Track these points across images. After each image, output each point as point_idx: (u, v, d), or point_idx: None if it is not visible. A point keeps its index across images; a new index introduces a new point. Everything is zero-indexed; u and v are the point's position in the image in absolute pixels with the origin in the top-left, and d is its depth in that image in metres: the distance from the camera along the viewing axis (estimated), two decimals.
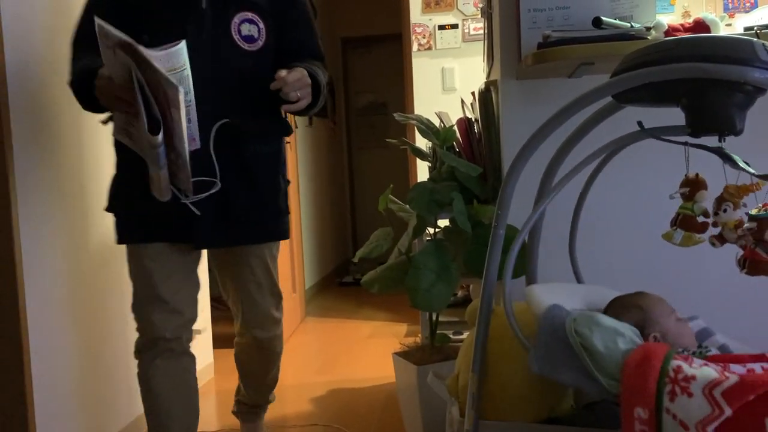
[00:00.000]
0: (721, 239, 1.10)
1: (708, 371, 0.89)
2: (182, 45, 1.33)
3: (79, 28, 1.61)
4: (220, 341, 3.14)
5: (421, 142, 2.37)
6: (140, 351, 1.66)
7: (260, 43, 1.62)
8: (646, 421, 0.90)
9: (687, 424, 0.87)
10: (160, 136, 1.33)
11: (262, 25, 1.62)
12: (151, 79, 1.29)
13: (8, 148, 1.65)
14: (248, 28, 1.60)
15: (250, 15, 1.61)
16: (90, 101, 1.49)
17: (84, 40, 1.56)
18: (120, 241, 1.65)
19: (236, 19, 1.59)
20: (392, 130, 5.60)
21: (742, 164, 1.00)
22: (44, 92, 1.83)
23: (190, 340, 1.71)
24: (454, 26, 3.68)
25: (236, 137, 1.58)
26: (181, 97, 1.29)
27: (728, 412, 0.85)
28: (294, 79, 1.50)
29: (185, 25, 1.53)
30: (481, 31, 3.00)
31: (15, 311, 1.66)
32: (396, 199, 1.99)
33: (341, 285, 5.19)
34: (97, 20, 1.26)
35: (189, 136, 1.38)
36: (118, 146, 1.60)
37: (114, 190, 1.64)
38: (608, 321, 1.02)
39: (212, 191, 1.50)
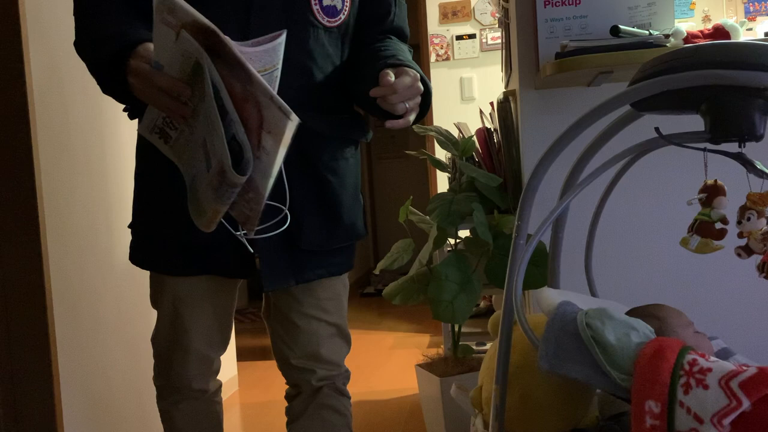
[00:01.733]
0: (748, 250, 1.08)
1: (725, 364, 0.85)
2: (283, 38, 0.97)
3: None
4: (243, 353, 3.16)
5: (441, 153, 2.38)
6: (161, 394, 1.38)
7: (342, 16, 1.22)
8: (658, 415, 0.85)
9: (702, 418, 0.82)
10: (247, 176, 0.94)
11: None
12: (237, 87, 0.91)
13: (36, 168, 1.69)
14: None
15: None
16: (114, 85, 1.07)
17: None
18: (144, 266, 1.31)
19: None
20: (412, 140, 5.61)
21: (764, 170, 0.99)
22: (70, 111, 1.88)
23: (218, 386, 1.42)
24: (472, 36, 3.69)
25: (308, 142, 1.19)
26: (290, 128, 0.90)
27: (746, 404, 0.80)
28: (404, 87, 1.10)
29: None
30: (499, 41, 3.01)
31: (44, 330, 1.69)
32: (416, 211, 2.00)
33: (363, 296, 5.20)
34: None
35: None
36: (144, 148, 1.21)
37: (140, 206, 1.28)
38: (621, 315, 1.00)
39: (282, 229, 1.11)
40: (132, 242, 1.32)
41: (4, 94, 1.66)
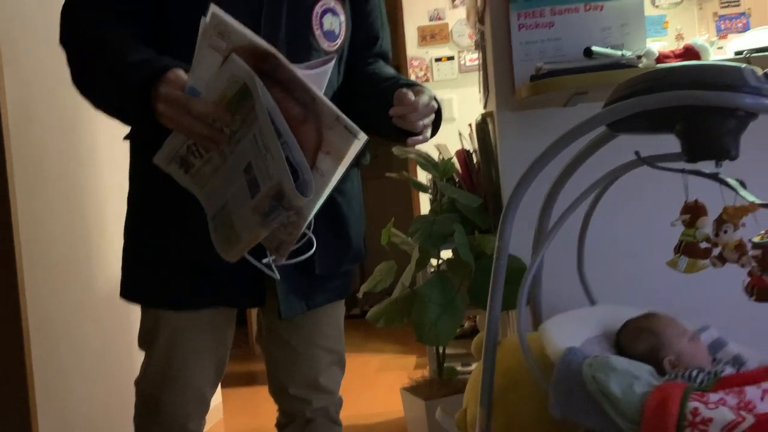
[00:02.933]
0: (721, 259, 1.11)
1: (725, 412, 0.90)
2: (333, 63, 1.01)
3: None
4: (228, 379, 3.12)
5: (423, 174, 2.39)
6: None
7: (339, 41, 1.25)
8: None
9: None
10: (309, 198, 0.91)
11: (343, 18, 1.25)
12: (294, 109, 0.90)
13: (12, 198, 1.67)
14: (330, 21, 1.23)
15: (332, 3, 1.23)
16: (137, 114, 1.01)
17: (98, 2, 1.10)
18: (143, 301, 1.22)
19: (318, 8, 1.21)
20: (395, 160, 5.63)
21: (739, 189, 1.01)
22: (46, 141, 1.86)
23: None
24: (450, 58, 3.73)
25: None
26: (355, 147, 0.90)
27: None
28: (424, 105, 1.12)
29: (258, 15, 1.14)
30: (477, 62, 3.05)
31: (22, 368, 1.65)
32: (398, 232, 2.00)
33: (349, 317, 5.15)
34: (214, 7, 0.86)
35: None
36: (148, 174, 1.09)
37: (141, 234, 1.20)
38: (623, 364, 1.04)
39: (310, 253, 1.09)
40: (125, 276, 1.23)
41: None
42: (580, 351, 1.11)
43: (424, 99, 1.13)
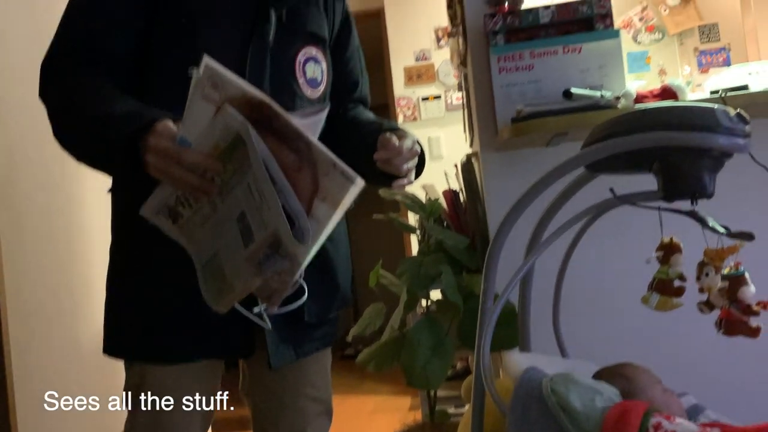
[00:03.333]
0: (710, 305, 1.10)
1: (689, 426, 0.86)
2: (326, 111, 1.00)
3: (68, 31, 1.11)
4: (217, 425, 3.06)
5: (413, 214, 2.40)
6: None
7: (322, 87, 1.26)
8: None
9: None
10: (306, 245, 0.91)
11: (324, 65, 1.27)
12: (289, 157, 0.90)
13: None
14: (313, 69, 1.25)
15: (314, 51, 1.25)
16: (122, 166, 0.98)
17: (79, 51, 1.09)
18: (127, 356, 1.20)
19: (301, 57, 1.22)
20: (384, 201, 5.65)
21: (716, 226, 1.01)
22: (32, 193, 1.86)
23: None
24: (437, 97, 3.78)
25: None
26: (352, 192, 0.89)
27: None
28: (408, 149, 1.13)
29: (243, 64, 1.14)
30: (462, 100, 3.09)
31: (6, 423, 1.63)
32: (387, 273, 1.99)
33: (343, 358, 5.11)
34: (207, 59, 0.85)
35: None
36: (133, 225, 1.05)
37: (127, 286, 1.17)
38: (586, 380, 1.00)
39: (302, 301, 1.06)
40: (108, 331, 1.18)
41: None
42: (539, 370, 1.06)
43: (407, 143, 1.13)
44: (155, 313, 1.13)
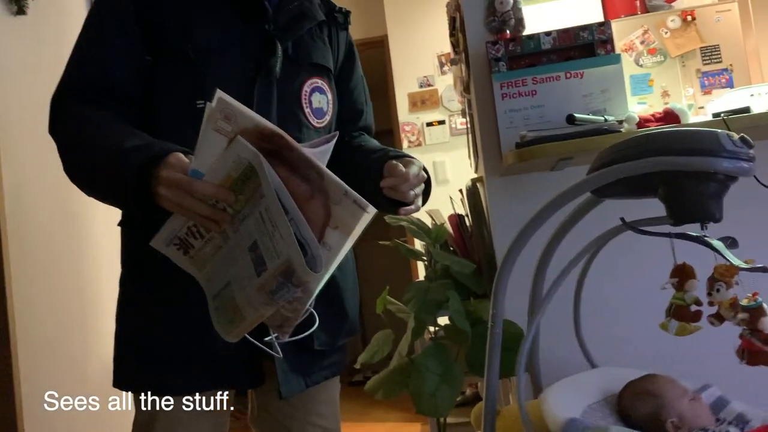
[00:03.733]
0: (719, 318, 1.10)
1: None
2: (335, 140, 1.01)
3: (77, 69, 1.13)
4: None
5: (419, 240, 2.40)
6: None
7: (328, 117, 1.28)
8: None
9: None
10: (319, 273, 0.92)
11: (330, 95, 1.29)
12: (301, 187, 0.91)
13: (8, 285, 1.67)
14: (318, 99, 1.27)
15: (320, 82, 1.28)
16: (135, 199, 0.98)
17: (87, 88, 1.11)
18: (138, 389, 1.17)
19: (307, 87, 1.25)
20: (391, 227, 5.65)
21: (723, 252, 1.01)
22: (43, 228, 1.88)
23: None
24: (441, 122, 3.80)
25: None
26: (364, 220, 0.91)
27: None
28: (414, 175, 1.14)
29: (251, 94, 1.16)
30: (466, 126, 3.11)
31: None
32: (394, 300, 1.99)
33: (351, 384, 5.07)
34: (220, 92, 0.86)
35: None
36: (143, 256, 1.07)
37: (137, 319, 1.16)
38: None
39: (313, 329, 1.08)
40: (118, 364, 1.18)
41: None
42: (579, 422, 1.09)
43: (413, 170, 1.14)
44: (164, 346, 1.13)
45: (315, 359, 1.23)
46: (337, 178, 0.89)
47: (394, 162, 1.14)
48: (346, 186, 0.89)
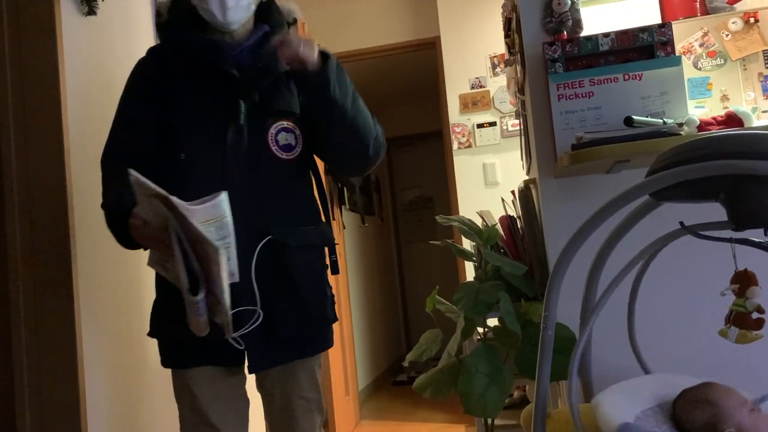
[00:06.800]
0: None
1: None
2: (223, 197, 1.30)
3: (111, 138, 1.58)
4: None
5: (467, 240, 2.39)
6: None
7: (298, 150, 1.58)
8: None
9: None
10: (200, 296, 1.30)
11: (298, 132, 1.59)
12: (189, 232, 1.27)
13: (74, 272, 1.75)
14: (285, 137, 1.57)
15: (285, 123, 1.57)
16: (124, 236, 1.44)
17: (116, 152, 1.56)
18: (164, 365, 1.60)
19: (272, 129, 1.55)
20: (440, 225, 5.65)
21: None
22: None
23: None
24: (492, 124, 3.78)
25: (278, 252, 1.51)
26: (222, 259, 1.26)
27: None
28: (294, 37, 1.46)
29: (223, 141, 1.50)
30: (519, 127, 3.08)
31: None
32: (443, 300, 1.99)
33: (395, 384, 5.09)
34: (132, 172, 1.25)
35: (228, 272, 1.31)
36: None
37: (155, 314, 1.60)
38: None
39: (254, 324, 1.43)
40: (160, 349, 1.60)
41: (47, 204, 1.78)
42: (633, 426, 1.08)
43: (291, 34, 1.49)
44: (167, 332, 1.56)
45: (283, 344, 1.54)
46: (197, 228, 1.24)
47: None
48: (203, 234, 1.24)
